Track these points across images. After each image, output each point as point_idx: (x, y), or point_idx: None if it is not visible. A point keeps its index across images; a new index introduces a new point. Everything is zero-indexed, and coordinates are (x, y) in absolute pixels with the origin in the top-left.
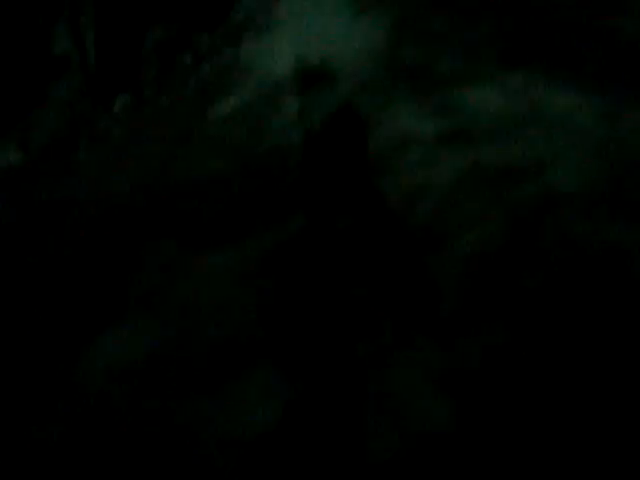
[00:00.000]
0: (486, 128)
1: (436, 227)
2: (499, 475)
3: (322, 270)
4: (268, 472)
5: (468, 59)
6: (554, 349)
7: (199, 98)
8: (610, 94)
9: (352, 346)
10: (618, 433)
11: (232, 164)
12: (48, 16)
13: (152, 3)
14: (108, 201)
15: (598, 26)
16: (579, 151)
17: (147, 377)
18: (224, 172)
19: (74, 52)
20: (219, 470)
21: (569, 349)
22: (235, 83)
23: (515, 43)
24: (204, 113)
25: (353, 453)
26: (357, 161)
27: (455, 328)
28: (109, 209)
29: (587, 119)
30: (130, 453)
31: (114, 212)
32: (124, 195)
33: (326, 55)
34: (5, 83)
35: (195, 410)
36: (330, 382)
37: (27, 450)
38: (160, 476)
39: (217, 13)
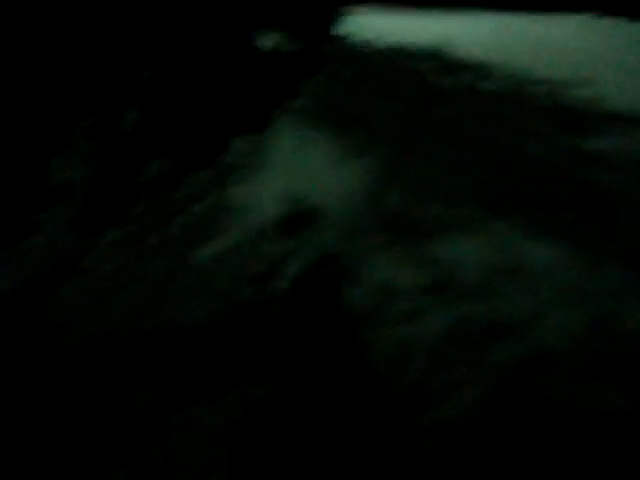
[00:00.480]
0: (469, 281)
1: (420, 389)
2: None
3: (299, 431)
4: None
5: (451, 207)
6: None
7: (185, 239)
8: (590, 243)
9: None
10: None
11: (214, 310)
12: (44, 146)
13: (149, 138)
14: (83, 344)
15: (574, 178)
16: (564, 306)
17: None
18: (205, 319)
19: (67, 184)
20: None
21: None
22: (220, 225)
23: (496, 193)
24: (189, 255)
25: None
26: (338, 314)
27: None
28: (84, 353)
29: (570, 272)
30: None
31: (88, 357)
32: (102, 337)
33: (312, 198)
34: (4, 214)
35: None
36: None
37: None
38: None
39: (209, 153)
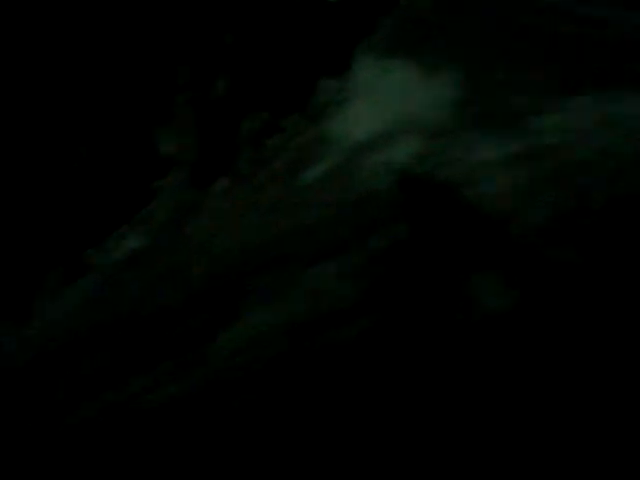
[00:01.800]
0: (551, 143)
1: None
2: None
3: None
4: None
5: (530, 96)
6: None
7: (289, 170)
8: None
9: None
10: None
11: (327, 215)
12: (152, 123)
13: (242, 96)
14: (216, 259)
15: None
16: None
17: None
18: (320, 221)
19: (178, 151)
20: None
21: None
22: (319, 154)
23: (572, 75)
24: (295, 182)
25: None
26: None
27: None
28: (215, 264)
29: None
30: None
31: (219, 267)
32: (230, 252)
33: (401, 114)
34: (119, 181)
35: None
36: None
37: None
38: None
39: (300, 98)
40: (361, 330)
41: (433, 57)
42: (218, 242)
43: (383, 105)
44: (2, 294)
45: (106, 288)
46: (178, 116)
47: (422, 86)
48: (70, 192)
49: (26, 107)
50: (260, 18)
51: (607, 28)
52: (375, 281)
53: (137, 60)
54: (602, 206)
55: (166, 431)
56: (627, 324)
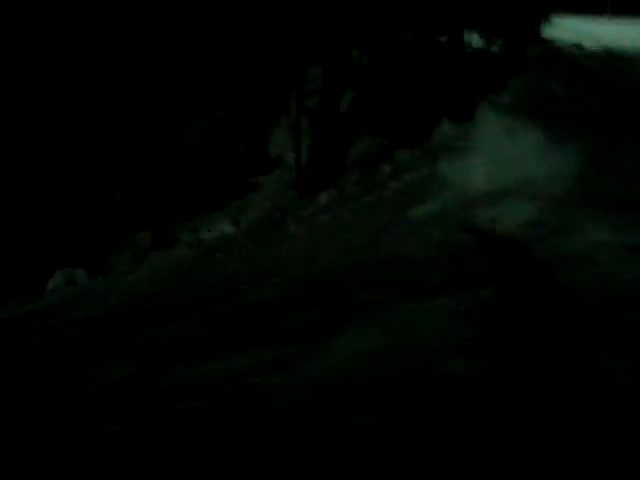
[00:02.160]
0: None
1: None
2: None
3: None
4: None
5: None
6: None
7: (398, 200)
8: None
9: None
10: None
11: (434, 251)
12: (268, 124)
13: (355, 120)
14: (316, 266)
15: None
16: None
17: None
18: (426, 256)
19: (286, 154)
20: None
21: None
22: (431, 192)
23: None
24: (403, 212)
25: None
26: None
27: None
28: (317, 271)
29: None
30: None
31: (322, 276)
32: (333, 264)
33: (518, 176)
34: (227, 173)
35: None
36: None
37: None
38: None
39: (417, 134)
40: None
41: (557, 128)
42: (320, 250)
43: (501, 162)
44: (86, 244)
45: (198, 261)
46: (295, 121)
47: (542, 154)
48: (172, 169)
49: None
50: (397, 48)
51: None
52: (481, 325)
53: (267, 58)
54: None
55: (274, 418)
56: None
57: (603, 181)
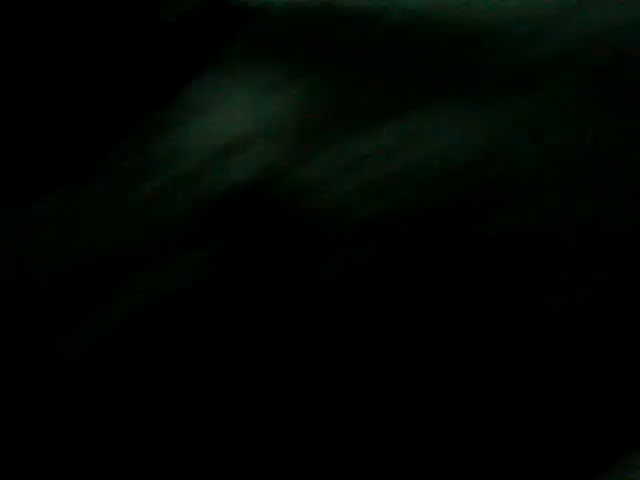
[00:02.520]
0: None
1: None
2: None
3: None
4: None
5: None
6: None
7: (122, 186)
8: None
9: None
10: None
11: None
12: None
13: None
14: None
15: None
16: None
17: None
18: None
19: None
20: None
21: None
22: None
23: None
24: (129, 196)
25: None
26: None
27: None
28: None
29: None
30: None
31: None
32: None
33: (253, 121)
34: None
35: None
36: None
37: None
38: None
39: (125, 124)
40: None
41: (288, 67)
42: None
43: (233, 116)
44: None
45: None
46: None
47: (277, 94)
48: None
49: None
50: (86, 30)
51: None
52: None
53: None
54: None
55: None
56: None
57: (335, 105)
